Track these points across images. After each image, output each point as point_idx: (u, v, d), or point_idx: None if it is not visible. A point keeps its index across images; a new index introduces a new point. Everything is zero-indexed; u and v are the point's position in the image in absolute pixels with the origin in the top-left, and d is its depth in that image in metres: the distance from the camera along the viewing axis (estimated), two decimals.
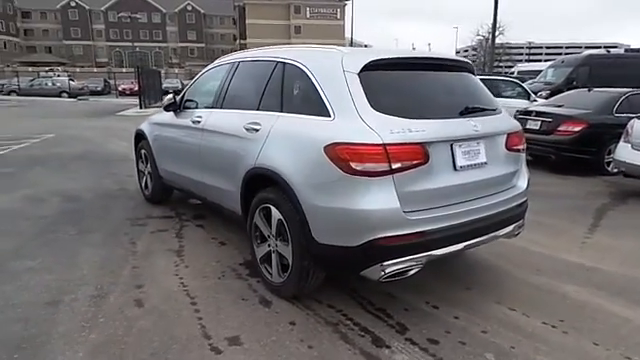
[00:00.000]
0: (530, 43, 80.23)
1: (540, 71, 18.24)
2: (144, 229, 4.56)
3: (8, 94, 34.33)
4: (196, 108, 4.35)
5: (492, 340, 2.69)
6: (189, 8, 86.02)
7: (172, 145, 4.65)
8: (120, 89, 38.19)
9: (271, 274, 3.20)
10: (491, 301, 3.16)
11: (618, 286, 3.41)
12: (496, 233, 3.03)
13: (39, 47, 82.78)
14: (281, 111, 3.17)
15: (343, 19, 71.63)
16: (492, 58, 28.21)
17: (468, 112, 2.96)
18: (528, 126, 8.16)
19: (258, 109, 3.39)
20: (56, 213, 5.06)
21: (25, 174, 7.11)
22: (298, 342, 2.64)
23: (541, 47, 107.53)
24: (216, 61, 4.45)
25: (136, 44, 76.83)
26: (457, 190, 2.82)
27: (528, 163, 3.73)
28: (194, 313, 2.96)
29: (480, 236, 2.91)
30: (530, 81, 18.45)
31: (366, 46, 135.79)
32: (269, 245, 3.19)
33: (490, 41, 24.59)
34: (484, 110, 3.11)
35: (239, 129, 3.41)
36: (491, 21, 21.75)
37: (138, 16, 68.74)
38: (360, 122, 2.60)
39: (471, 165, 2.90)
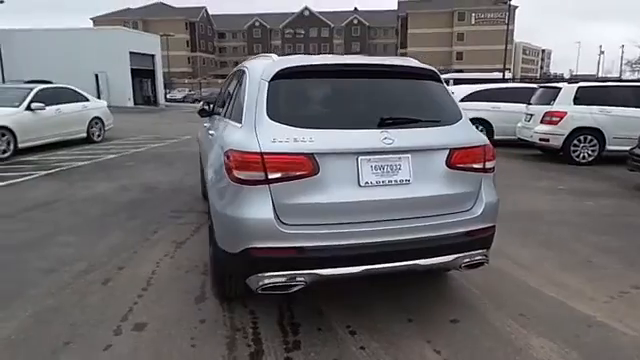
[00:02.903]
0: None
1: None
2: (175, 221, 5.13)
3: (193, 102, 40.94)
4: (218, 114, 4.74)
5: None
6: (355, 22, 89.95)
7: (202, 147, 5.14)
8: None
9: None
10: (421, 339, 2.76)
11: (607, 351, 2.62)
12: (418, 261, 2.63)
13: (229, 62, 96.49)
14: (230, 117, 3.30)
15: (513, 24, 66.11)
16: None
17: (387, 123, 2.65)
18: None
19: (224, 116, 3.58)
20: (126, 201, 6.03)
21: (139, 168, 8.54)
22: (187, 340, 2.74)
23: None
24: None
25: None
26: (360, 208, 2.56)
27: None
28: (137, 298, 3.28)
29: (389, 262, 2.58)
30: None
31: (543, 51, 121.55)
32: None
33: None
34: (418, 121, 2.74)
35: (209, 135, 3.66)
36: None
37: (302, 31, 74.79)
38: (252, 130, 2.59)
39: (384, 182, 2.59)
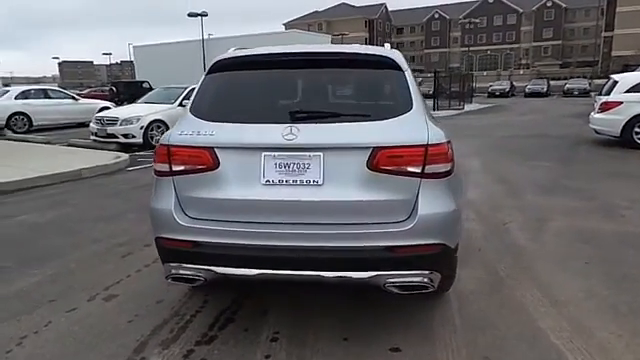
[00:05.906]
0: None
1: None
2: None
3: None
4: None
5: None
6: (548, 4, 79.89)
7: None
8: None
9: None
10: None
11: None
12: (322, 273, 2.30)
13: (406, 57, 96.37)
14: None
15: None
16: None
17: (298, 118, 2.36)
18: None
19: None
20: None
21: None
22: (131, 316, 2.96)
23: None
24: None
25: (488, 47, 78.20)
26: (259, 207, 2.37)
27: None
28: (134, 272, 3.66)
29: (288, 269, 2.33)
30: None
31: None
32: None
33: None
34: (338, 115, 2.38)
35: None
36: None
37: (480, 20, 69.69)
38: (177, 123, 2.65)
39: (289, 181, 2.34)
